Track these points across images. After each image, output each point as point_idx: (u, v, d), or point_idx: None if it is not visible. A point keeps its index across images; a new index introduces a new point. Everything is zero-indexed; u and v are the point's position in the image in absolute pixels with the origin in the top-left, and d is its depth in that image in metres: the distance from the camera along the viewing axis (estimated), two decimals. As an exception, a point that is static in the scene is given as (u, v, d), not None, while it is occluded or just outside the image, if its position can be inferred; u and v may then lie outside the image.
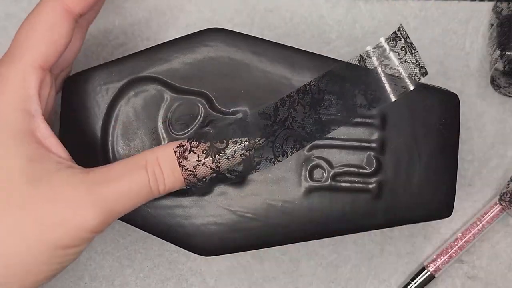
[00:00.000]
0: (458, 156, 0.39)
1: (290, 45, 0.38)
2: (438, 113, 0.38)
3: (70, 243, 0.31)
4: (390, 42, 0.33)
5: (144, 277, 0.45)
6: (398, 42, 0.33)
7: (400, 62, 0.33)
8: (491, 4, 0.45)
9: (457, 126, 0.38)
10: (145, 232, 0.38)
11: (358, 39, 0.45)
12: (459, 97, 0.39)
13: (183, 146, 0.32)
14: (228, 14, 0.45)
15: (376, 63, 0.33)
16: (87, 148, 0.37)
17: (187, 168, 0.32)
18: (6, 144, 0.31)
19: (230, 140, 0.32)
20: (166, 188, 0.33)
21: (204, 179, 0.33)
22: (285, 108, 0.33)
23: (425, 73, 0.33)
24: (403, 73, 0.33)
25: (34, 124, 0.32)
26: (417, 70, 0.33)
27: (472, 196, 0.46)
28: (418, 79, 0.33)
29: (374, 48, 0.33)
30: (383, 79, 0.33)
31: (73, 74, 0.38)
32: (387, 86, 0.33)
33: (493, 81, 0.44)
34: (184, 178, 0.33)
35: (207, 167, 0.32)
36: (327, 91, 0.33)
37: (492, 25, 0.45)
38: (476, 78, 0.46)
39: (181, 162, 0.32)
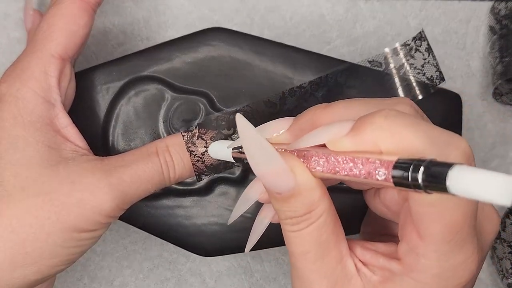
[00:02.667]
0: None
1: (291, 45, 0.37)
2: (440, 113, 0.38)
3: (86, 227, 0.31)
4: (416, 42, 0.33)
5: (144, 277, 0.45)
6: (423, 42, 0.33)
7: (424, 63, 0.33)
8: (491, 3, 0.45)
9: (459, 126, 0.38)
10: (145, 233, 0.38)
11: (358, 39, 0.45)
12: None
13: (191, 131, 0.33)
14: (228, 13, 0.45)
15: (403, 60, 0.33)
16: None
17: (195, 154, 0.33)
18: (26, 130, 0.31)
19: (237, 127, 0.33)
20: (176, 175, 0.34)
21: (212, 166, 0.33)
22: (293, 98, 0.33)
23: (442, 78, 0.33)
24: (426, 74, 0.33)
25: (53, 113, 0.33)
26: (437, 73, 0.33)
27: (473, 196, 0.45)
28: (438, 83, 0.33)
29: (402, 45, 0.33)
30: (397, 83, 0.33)
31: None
32: (400, 90, 0.33)
33: (495, 89, 0.44)
34: (192, 164, 0.33)
35: None
36: (346, 85, 0.33)
37: (491, 27, 0.45)
38: (477, 78, 0.45)
39: (190, 147, 0.33)
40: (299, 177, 0.25)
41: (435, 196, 0.23)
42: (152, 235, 0.38)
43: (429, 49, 0.33)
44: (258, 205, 0.37)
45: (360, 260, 0.28)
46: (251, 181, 0.37)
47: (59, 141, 0.32)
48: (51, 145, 0.32)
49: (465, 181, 0.18)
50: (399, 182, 0.21)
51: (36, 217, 0.30)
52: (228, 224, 0.32)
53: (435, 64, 0.33)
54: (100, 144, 0.37)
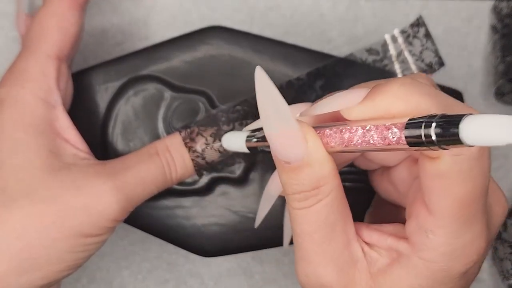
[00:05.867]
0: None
1: (291, 43, 0.37)
2: (442, 112, 0.38)
3: (92, 232, 0.31)
4: (414, 28, 0.33)
5: (143, 278, 0.45)
6: (420, 28, 0.33)
7: (422, 50, 0.33)
8: (493, 2, 0.45)
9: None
10: (144, 234, 0.38)
11: (359, 38, 0.45)
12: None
13: (189, 127, 0.33)
14: (227, 12, 0.45)
15: (402, 47, 0.33)
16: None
17: (195, 150, 0.33)
18: (26, 134, 0.31)
19: (236, 123, 0.33)
20: (178, 175, 0.33)
21: (212, 162, 0.33)
22: (291, 90, 0.33)
23: (442, 63, 0.33)
24: (424, 61, 0.33)
25: (53, 115, 0.32)
26: (436, 59, 0.33)
27: (474, 196, 0.45)
28: (437, 69, 0.33)
29: (400, 32, 0.33)
30: (397, 69, 0.33)
31: (71, 73, 0.37)
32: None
33: (497, 89, 0.44)
34: (192, 159, 0.33)
35: (215, 150, 0.33)
36: (345, 75, 0.33)
37: (494, 27, 0.45)
38: (479, 77, 0.45)
39: (187, 142, 0.33)
40: (311, 145, 0.24)
41: (446, 166, 0.22)
42: (151, 236, 0.38)
43: (427, 35, 0.33)
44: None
45: (366, 243, 0.27)
46: (251, 180, 0.37)
47: (60, 144, 0.32)
48: (52, 149, 0.31)
49: (478, 129, 0.18)
50: (412, 142, 0.20)
51: (41, 222, 0.30)
52: (255, 227, 0.32)
53: (434, 50, 0.33)
54: (98, 144, 0.37)
